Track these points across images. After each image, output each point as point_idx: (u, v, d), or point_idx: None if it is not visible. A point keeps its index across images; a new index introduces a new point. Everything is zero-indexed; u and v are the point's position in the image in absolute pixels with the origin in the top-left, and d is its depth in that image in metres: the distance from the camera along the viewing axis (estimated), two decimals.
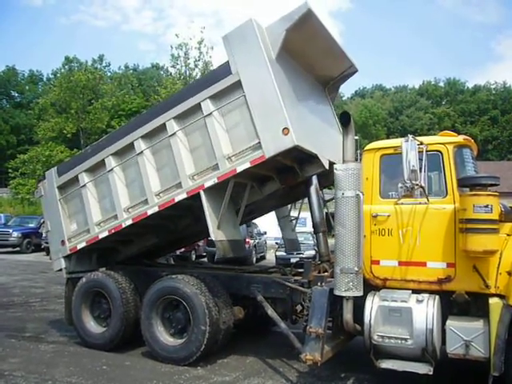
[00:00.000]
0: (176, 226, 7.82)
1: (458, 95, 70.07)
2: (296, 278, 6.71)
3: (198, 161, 6.47)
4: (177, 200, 6.54)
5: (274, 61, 5.92)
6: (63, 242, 7.76)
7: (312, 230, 7.43)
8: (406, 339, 4.96)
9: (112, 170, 7.13)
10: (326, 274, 6.27)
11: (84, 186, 7.47)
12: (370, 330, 5.14)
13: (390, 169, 5.54)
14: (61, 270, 7.87)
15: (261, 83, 5.80)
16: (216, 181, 6.19)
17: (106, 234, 7.28)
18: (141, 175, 6.87)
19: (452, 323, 4.96)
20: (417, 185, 4.88)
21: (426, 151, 5.07)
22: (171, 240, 8.53)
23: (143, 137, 6.85)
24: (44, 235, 21.63)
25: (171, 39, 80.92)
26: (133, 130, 7.01)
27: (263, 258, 21.60)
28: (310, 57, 6.85)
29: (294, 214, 9.30)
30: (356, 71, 7.68)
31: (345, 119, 5.74)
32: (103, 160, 7.25)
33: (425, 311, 4.96)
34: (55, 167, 8.38)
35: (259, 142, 5.85)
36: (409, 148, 4.83)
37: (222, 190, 6.27)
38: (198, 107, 6.35)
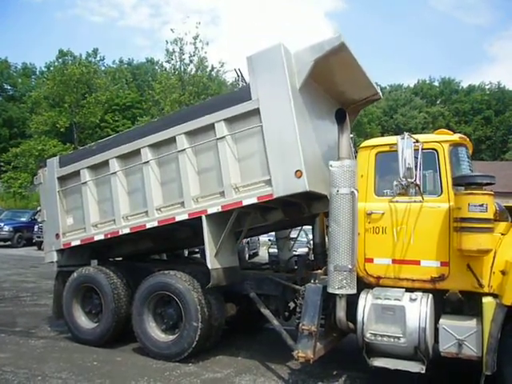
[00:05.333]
0: (174, 237, 7.70)
1: (452, 95, 70.23)
2: (289, 275, 6.70)
3: (205, 183, 6.31)
4: (177, 219, 6.46)
5: (298, 91, 5.68)
6: (57, 236, 7.67)
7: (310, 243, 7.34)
8: (398, 337, 4.95)
9: (115, 173, 6.99)
10: (319, 271, 6.24)
11: (85, 183, 7.35)
12: (363, 327, 5.13)
13: (385, 166, 5.51)
14: (52, 262, 7.80)
15: (280, 119, 5.55)
16: (220, 209, 6.08)
17: (101, 237, 7.20)
18: (144, 185, 6.73)
19: (445, 322, 4.95)
20: (412, 183, 4.87)
21: (422, 149, 5.04)
22: (167, 247, 8.48)
23: (151, 146, 6.66)
24: (36, 228, 21.58)
25: (167, 35, 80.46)
26: (141, 137, 6.80)
27: (256, 254, 21.57)
28: (334, 83, 6.60)
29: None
30: (379, 98, 7.50)
31: (340, 116, 5.70)
32: (107, 161, 7.09)
33: (418, 310, 4.95)
34: (57, 156, 8.22)
35: (270, 179, 5.66)
36: (405, 146, 4.81)
37: (225, 217, 6.14)
38: (211, 127, 6.12)
